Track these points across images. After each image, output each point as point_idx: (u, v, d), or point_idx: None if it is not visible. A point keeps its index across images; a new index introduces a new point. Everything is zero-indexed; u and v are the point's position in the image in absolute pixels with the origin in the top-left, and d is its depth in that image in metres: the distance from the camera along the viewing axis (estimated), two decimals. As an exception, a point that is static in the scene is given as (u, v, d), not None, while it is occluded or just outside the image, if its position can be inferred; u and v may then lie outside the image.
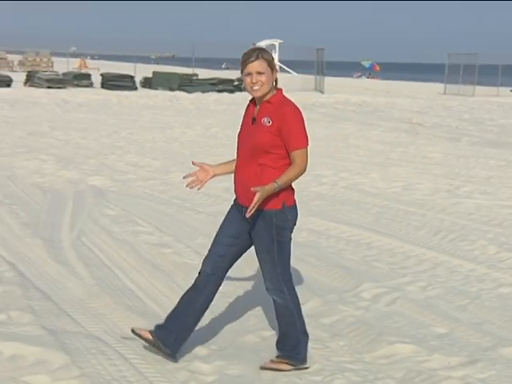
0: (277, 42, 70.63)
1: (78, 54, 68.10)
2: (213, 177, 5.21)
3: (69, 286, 6.90)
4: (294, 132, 4.84)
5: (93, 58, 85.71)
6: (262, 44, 68.73)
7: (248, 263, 7.48)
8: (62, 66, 50.22)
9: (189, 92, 37.80)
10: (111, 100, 31.72)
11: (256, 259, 5.11)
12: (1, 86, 36.69)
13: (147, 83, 41.43)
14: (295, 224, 5.06)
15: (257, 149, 4.86)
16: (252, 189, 4.69)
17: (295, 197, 5.06)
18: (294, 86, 45.12)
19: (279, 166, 4.86)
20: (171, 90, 38.91)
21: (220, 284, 5.21)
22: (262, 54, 4.87)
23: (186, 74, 42.07)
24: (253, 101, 5.04)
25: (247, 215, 4.71)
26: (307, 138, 4.95)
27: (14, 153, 15.46)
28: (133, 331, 5.29)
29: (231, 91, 39.58)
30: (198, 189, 5.24)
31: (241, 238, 5.09)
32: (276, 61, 68.83)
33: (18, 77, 40.43)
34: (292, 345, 5.16)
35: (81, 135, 18.95)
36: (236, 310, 6.43)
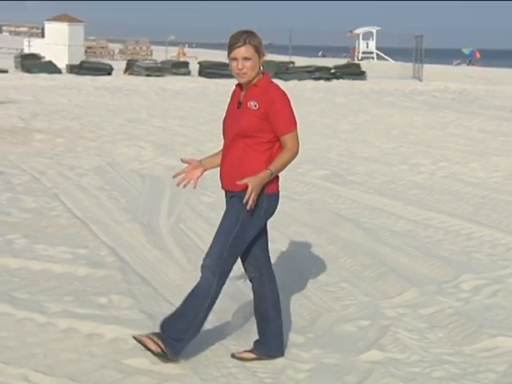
0: (374, 30, 69.81)
1: (177, 43, 69.00)
2: (203, 172, 5.01)
3: (167, 272, 6.99)
4: (282, 116, 4.73)
5: (191, 46, 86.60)
6: (360, 31, 68.24)
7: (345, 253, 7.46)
8: (161, 54, 50.93)
9: (285, 80, 37.75)
10: (209, 88, 32.01)
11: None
12: (102, 75, 37.48)
13: (244, 71, 41.57)
14: (272, 214, 4.88)
15: (242, 132, 4.73)
16: (238, 182, 4.56)
17: (279, 185, 4.87)
18: (391, 73, 44.59)
19: (264, 150, 4.73)
20: (268, 77, 38.95)
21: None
22: (250, 38, 4.72)
23: (283, 62, 42.01)
24: (239, 85, 4.90)
25: (247, 208, 4.57)
26: (295, 121, 4.80)
27: (114, 140, 15.78)
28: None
29: (328, 79, 39.34)
30: (194, 187, 5.09)
31: None
32: (373, 48, 68.22)
33: (119, 65, 41.22)
34: (179, 329, 4.72)
35: (178, 123, 19.19)
36: (332, 299, 6.39)
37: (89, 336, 5.24)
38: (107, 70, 38.80)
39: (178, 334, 4.72)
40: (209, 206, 9.86)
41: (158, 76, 38.53)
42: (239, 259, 4.93)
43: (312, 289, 6.65)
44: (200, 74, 39.89)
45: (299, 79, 38.21)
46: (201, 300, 4.73)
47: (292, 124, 4.78)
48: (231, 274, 4.91)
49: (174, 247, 7.83)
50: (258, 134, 4.72)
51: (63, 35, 44.18)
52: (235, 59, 4.72)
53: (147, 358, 4.85)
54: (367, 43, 68.63)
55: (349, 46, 73.48)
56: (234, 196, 4.77)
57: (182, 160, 5.09)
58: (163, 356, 4.71)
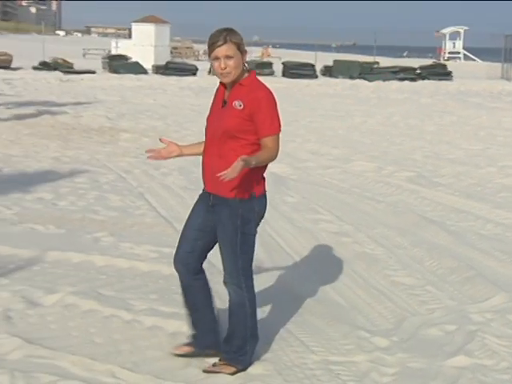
0: (462, 29, 68.61)
1: (261, 43, 69.25)
2: (179, 155, 4.87)
3: (251, 271, 6.99)
4: (266, 117, 4.50)
5: (275, 46, 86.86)
6: (446, 31, 67.20)
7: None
8: (245, 55, 51.07)
9: (369, 80, 37.47)
10: (292, 88, 32.01)
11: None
12: (187, 75, 37.90)
13: (327, 71, 41.43)
14: (263, 217, 4.75)
15: (225, 133, 4.53)
16: (218, 174, 4.30)
17: (265, 186, 4.73)
18: (478, 73, 43.77)
19: (248, 152, 4.48)
20: (351, 78, 38.74)
21: (200, 278, 4.88)
22: (231, 36, 4.50)
23: (367, 62, 41.72)
24: (223, 83, 4.68)
25: (221, 178, 4.29)
26: (280, 123, 4.57)
27: (198, 140, 15.90)
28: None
29: (413, 79, 38.88)
30: (155, 159, 4.88)
31: (207, 230, 4.72)
32: (460, 48, 67.10)
33: (203, 66, 41.57)
34: (238, 345, 4.73)
35: (262, 123, 19.25)
36: (417, 303, 6.29)
37: (173, 334, 5.28)
38: (192, 71, 39.21)
39: (240, 350, 4.71)
40: (292, 206, 9.84)
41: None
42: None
43: (397, 291, 6.57)
44: (284, 74, 39.94)
45: (384, 80, 37.86)
46: (241, 314, 4.68)
47: (276, 126, 4.54)
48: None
49: (257, 248, 7.80)
50: (242, 136, 4.51)
51: (149, 36, 44.84)
52: (217, 58, 4.49)
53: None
54: (454, 43, 67.58)
55: (435, 46, 72.49)
56: (218, 204, 4.59)
57: (160, 140, 4.88)
58: (240, 371, 4.73)
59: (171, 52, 51.03)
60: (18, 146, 13.98)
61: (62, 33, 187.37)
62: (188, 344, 4.94)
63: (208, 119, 4.71)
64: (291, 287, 6.52)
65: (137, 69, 38.95)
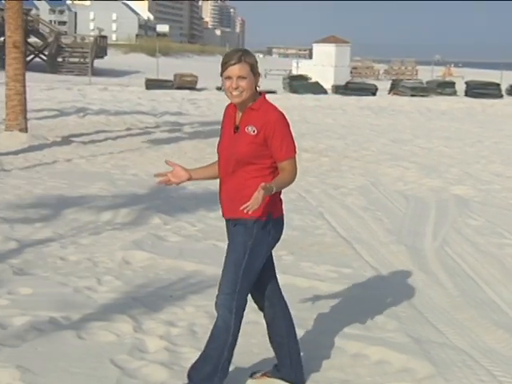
0: None
1: (443, 62, 68.05)
2: (189, 180, 4.62)
3: (433, 296, 6.83)
4: (282, 141, 4.32)
5: (457, 65, 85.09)
6: None
7: None
8: (426, 74, 50.44)
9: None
10: (475, 108, 31.20)
11: None
12: (366, 95, 37.82)
13: (514, 90, 40.09)
14: (278, 239, 4.51)
15: (241, 160, 4.34)
16: (241, 208, 4.14)
17: (283, 208, 4.51)
18: None
19: (265, 175, 4.33)
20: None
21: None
22: (245, 56, 4.33)
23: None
24: (233, 105, 4.48)
25: (245, 211, 4.11)
26: (295, 145, 4.37)
27: (378, 160, 15.81)
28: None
29: None
30: (165, 184, 4.60)
31: None
32: None
33: (383, 85, 41.34)
34: (208, 373, 4.42)
35: (443, 143, 18.86)
36: None
37: (355, 356, 5.23)
38: (371, 90, 39.11)
39: (208, 379, 4.43)
40: (476, 229, 9.55)
41: (422, 96, 38.20)
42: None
43: None
44: (466, 93, 39.05)
45: None
46: (222, 340, 4.40)
47: (292, 149, 4.37)
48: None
49: (440, 271, 7.65)
50: (257, 161, 4.35)
51: (330, 56, 45.18)
52: (229, 78, 4.33)
53: (412, 383, 4.76)
54: None
55: None
56: (237, 224, 4.40)
57: (166, 162, 4.65)
58: None
59: (351, 72, 51.12)
60: (201, 165, 14.40)
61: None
62: (271, 375, 4.79)
63: (220, 145, 4.53)
64: (477, 314, 6.32)
65: (316, 89, 39.33)
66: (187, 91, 38.34)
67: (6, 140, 15.81)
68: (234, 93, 4.33)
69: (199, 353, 5.06)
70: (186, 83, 41.21)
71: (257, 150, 4.32)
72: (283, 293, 6.54)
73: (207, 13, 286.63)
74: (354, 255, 8.16)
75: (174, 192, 11.55)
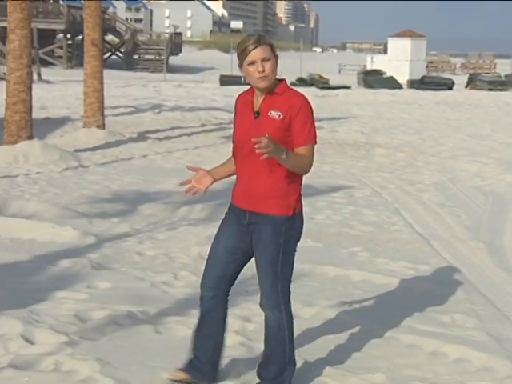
0: None
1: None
2: (213, 182, 4.42)
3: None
4: (304, 125, 4.14)
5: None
6: None
7: None
8: (505, 67, 49.46)
9: None
10: None
11: None
12: (442, 89, 37.32)
13: None
14: (301, 233, 4.35)
15: None
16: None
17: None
18: None
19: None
20: None
21: (225, 305, 4.50)
22: (263, 38, 4.12)
23: None
24: (248, 93, 4.28)
25: (257, 146, 3.89)
26: (316, 133, 4.21)
27: (455, 155, 15.58)
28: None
29: None
30: (205, 195, 4.50)
31: (239, 253, 4.35)
32: None
33: (460, 79, 40.72)
34: (276, 372, 4.36)
35: (523, 138, 18.48)
36: None
37: (432, 354, 5.15)
38: (448, 85, 38.58)
39: (278, 377, 4.39)
40: (557, 226, 9.32)
41: (501, 90, 37.49)
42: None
43: None
44: (546, 87, 38.13)
45: None
46: (280, 338, 4.35)
47: (313, 136, 4.19)
48: None
49: None
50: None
51: (405, 51, 44.72)
52: (253, 63, 4.09)
53: (493, 382, 4.66)
54: None
55: None
56: (258, 222, 4.23)
57: (187, 167, 4.48)
58: None
59: (427, 66, 50.49)
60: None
61: (318, 49, 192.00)
62: (183, 369, 4.55)
63: (237, 133, 4.32)
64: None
65: (391, 83, 38.98)
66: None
67: (84, 136, 16.11)
68: (261, 76, 4.11)
69: (275, 348, 5.07)
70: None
71: (284, 135, 4.13)
72: (355, 289, 6.53)
73: (281, 9, 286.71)
74: (431, 252, 8.05)
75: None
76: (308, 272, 7.07)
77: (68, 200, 10.23)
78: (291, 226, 4.24)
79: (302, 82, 41.01)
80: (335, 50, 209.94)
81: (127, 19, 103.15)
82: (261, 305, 4.37)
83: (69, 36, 56.67)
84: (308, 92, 34.85)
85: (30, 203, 9.78)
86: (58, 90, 32.37)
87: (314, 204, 10.39)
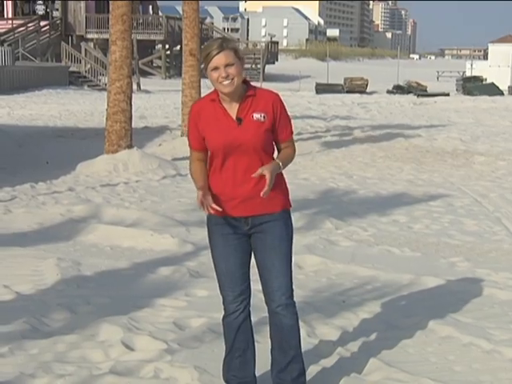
0: None
1: None
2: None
3: None
4: (287, 119, 4.24)
5: None
6: None
7: None
8: None
9: None
10: None
11: None
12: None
13: None
14: None
15: (255, 150, 4.11)
16: (253, 175, 4.00)
17: None
18: None
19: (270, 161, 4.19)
20: None
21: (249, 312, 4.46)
22: (226, 43, 4.06)
23: None
24: (208, 101, 4.18)
25: (262, 194, 3.98)
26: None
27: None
28: None
29: None
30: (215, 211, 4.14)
31: (246, 258, 4.33)
32: None
33: None
34: (301, 368, 4.37)
35: None
36: None
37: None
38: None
39: (302, 374, 4.37)
40: None
41: None
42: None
43: None
44: None
45: None
46: (298, 337, 4.36)
47: (292, 128, 4.32)
48: None
49: None
50: (269, 148, 4.21)
51: (507, 56, 43.67)
52: (216, 68, 4.03)
53: None
54: None
55: None
56: (263, 223, 4.19)
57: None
58: None
59: (529, 72, 49.17)
60: (373, 169, 14.31)
61: (415, 56, 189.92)
62: None
63: (217, 141, 4.13)
64: None
65: (492, 90, 38.18)
66: (357, 95, 38.22)
67: (182, 145, 16.30)
68: (225, 82, 4.05)
69: (374, 359, 5.02)
70: (357, 87, 41.11)
71: (270, 136, 4.18)
72: (458, 300, 6.36)
73: (378, 16, 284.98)
74: (532, 263, 7.81)
75: (345, 196, 11.52)
76: (407, 282, 6.95)
77: (166, 208, 10.38)
78: (290, 218, 4.34)
79: (399, 89, 40.62)
80: (433, 57, 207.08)
81: (224, 29, 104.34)
82: (278, 306, 4.28)
83: (167, 46, 57.65)
84: (405, 100, 34.48)
85: (130, 211, 9.96)
86: (157, 100, 32.98)
87: (411, 213, 10.24)
